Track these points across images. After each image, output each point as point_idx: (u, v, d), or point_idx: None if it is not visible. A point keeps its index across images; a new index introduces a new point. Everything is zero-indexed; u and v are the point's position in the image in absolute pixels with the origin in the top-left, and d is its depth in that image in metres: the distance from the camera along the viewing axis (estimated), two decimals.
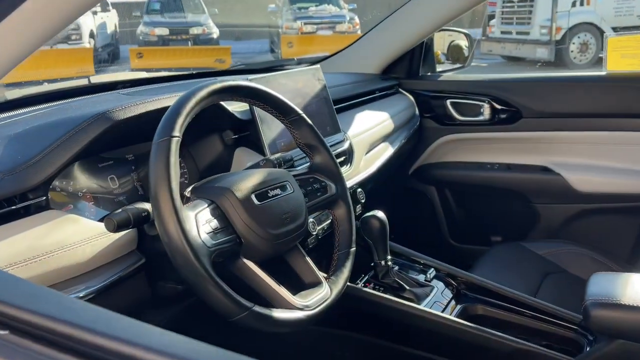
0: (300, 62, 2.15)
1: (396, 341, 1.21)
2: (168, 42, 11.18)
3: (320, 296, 0.92)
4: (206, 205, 0.84)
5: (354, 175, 1.44)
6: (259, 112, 1.17)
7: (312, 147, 1.05)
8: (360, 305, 1.22)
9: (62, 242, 0.81)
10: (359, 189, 1.42)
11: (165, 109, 0.85)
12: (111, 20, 12.33)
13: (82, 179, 0.96)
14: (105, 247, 0.86)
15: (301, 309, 0.87)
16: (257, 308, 0.80)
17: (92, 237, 0.85)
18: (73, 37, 10.29)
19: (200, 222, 0.80)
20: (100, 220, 0.87)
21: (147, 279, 0.94)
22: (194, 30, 11.36)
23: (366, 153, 1.56)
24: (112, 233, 0.84)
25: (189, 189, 0.90)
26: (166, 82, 1.53)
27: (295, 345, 1.26)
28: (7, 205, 0.79)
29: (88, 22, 10.76)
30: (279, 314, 0.83)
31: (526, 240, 1.74)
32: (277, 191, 0.92)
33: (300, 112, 1.02)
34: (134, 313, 1.01)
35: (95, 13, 11.28)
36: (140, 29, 11.63)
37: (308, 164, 1.08)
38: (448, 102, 1.92)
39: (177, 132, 0.80)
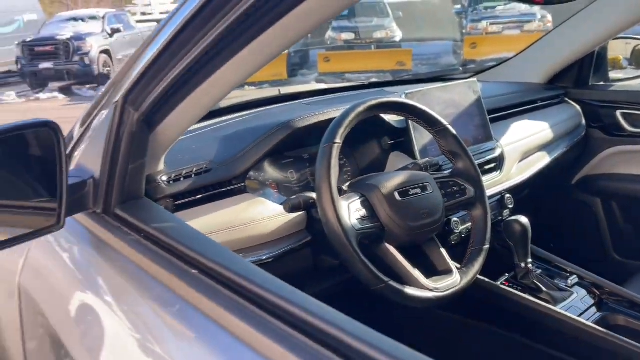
0: (466, 71, 2.26)
1: (529, 338, 1.29)
2: (353, 46, 11.77)
3: (450, 282, 1.08)
4: (358, 197, 1.06)
5: (504, 181, 1.54)
6: (412, 121, 1.35)
7: (455, 154, 1.20)
8: (496, 300, 1.33)
9: (253, 217, 1.10)
10: (508, 195, 1.51)
11: (332, 120, 1.08)
12: None
13: (270, 172, 1.26)
14: (283, 224, 1.13)
15: (431, 290, 1.04)
16: (393, 283, 0.99)
17: (274, 216, 1.12)
18: None
19: (351, 211, 1.02)
20: (281, 203, 1.15)
21: (311, 253, 1.20)
22: (378, 34, 11.78)
23: (520, 161, 1.63)
24: (287, 214, 1.11)
25: (347, 184, 1.13)
26: (340, 93, 1.79)
27: (431, 332, 1.42)
28: (219, 188, 1.11)
29: None
30: (411, 290, 1.01)
31: None
32: (418, 190, 1.10)
33: (446, 123, 1.18)
34: (298, 279, 1.28)
35: None
36: (329, 34, 12.43)
37: (451, 169, 1.23)
38: (618, 112, 1.86)
39: (339, 139, 1.03)
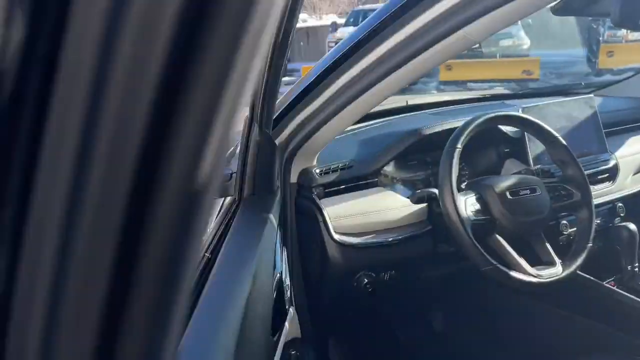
0: (589, 86, 2.33)
1: (631, 334, 1.40)
2: (477, 54, 11.58)
3: (552, 271, 1.24)
4: (473, 194, 1.27)
5: (616, 191, 1.64)
6: (527, 132, 1.52)
7: (564, 163, 1.36)
8: (601, 298, 1.45)
9: (386, 205, 1.35)
10: (620, 204, 1.61)
11: (453, 129, 1.30)
12: None
13: (398, 171, 1.50)
14: (407, 213, 1.37)
15: (534, 276, 1.22)
16: (500, 266, 1.19)
17: (401, 206, 1.36)
18: None
19: (467, 205, 1.23)
20: (407, 196, 1.38)
21: (431, 241, 1.42)
22: (504, 42, 11.47)
23: (635, 173, 1.71)
24: (413, 205, 1.34)
25: (465, 183, 1.34)
26: (462, 105, 1.98)
27: (537, 324, 1.56)
28: (357, 181, 1.38)
29: None
30: (515, 274, 1.20)
31: None
32: (527, 191, 1.28)
33: (556, 134, 1.35)
34: (417, 263, 1.50)
35: None
36: None
37: (560, 175, 1.39)
38: None
39: (459, 145, 1.24)
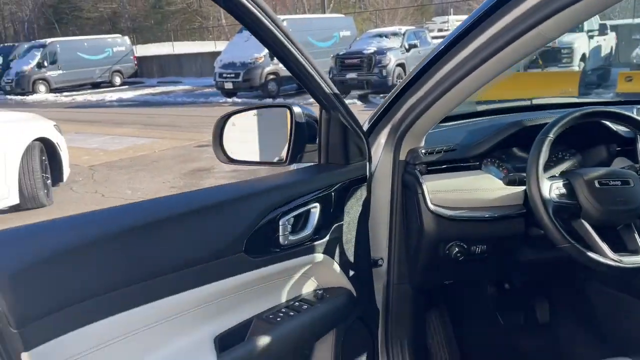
0: None
1: None
2: None
3: (634, 259, 1.30)
4: (562, 180, 1.38)
5: None
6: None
7: None
8: None
9: (482, 185, 1.51)
10: None
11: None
12: (608, 43, 12.41)
13: (499, 156, 1.64)
14: (503, 195, 1.51)
15: (615, 261, 1.29)
16: (577, 244, 1.29)
17: (497, 188, 1.51)
18: (564, 60, 11.02)
19: (552, 188, 1.35)
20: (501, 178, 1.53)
21: (524, 223, 1.54)
22: None
23: None
24: (509, 188, 1.49)
25: (559, 172, 1.46)
26: (591, 107, 2.01)
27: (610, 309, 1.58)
28: (459, 162, 1.57)
29: (582, 46, 11.24)
30: (593, 254, 1.29)
31: None
32: (618, 182, 1.35)
33: None
34: (509, 242, 1.62)
35: (591, 37, 11.62)
36: (636, 51, 11.24)
37: None
38: None
39: (551, 134, 1.37)
